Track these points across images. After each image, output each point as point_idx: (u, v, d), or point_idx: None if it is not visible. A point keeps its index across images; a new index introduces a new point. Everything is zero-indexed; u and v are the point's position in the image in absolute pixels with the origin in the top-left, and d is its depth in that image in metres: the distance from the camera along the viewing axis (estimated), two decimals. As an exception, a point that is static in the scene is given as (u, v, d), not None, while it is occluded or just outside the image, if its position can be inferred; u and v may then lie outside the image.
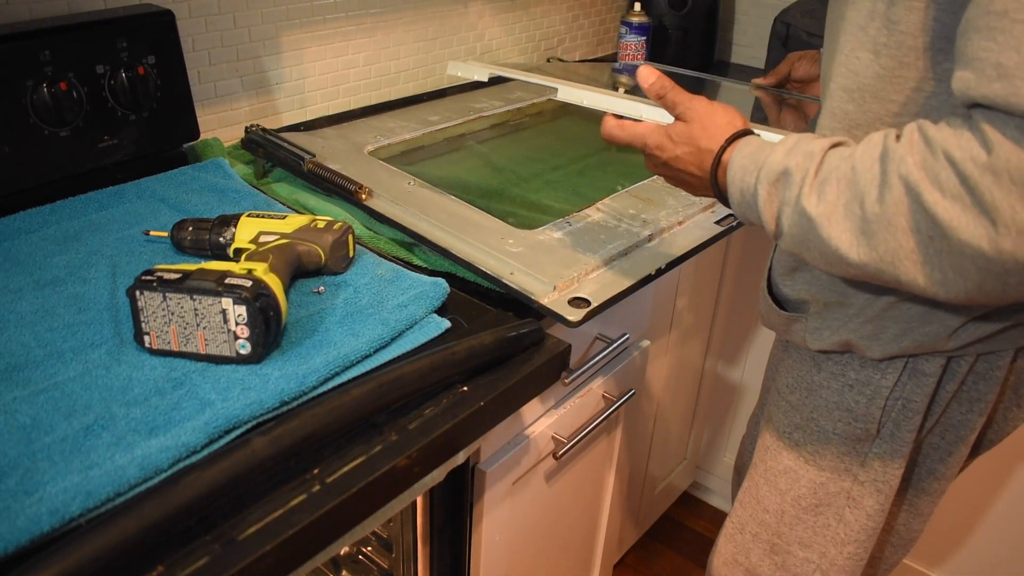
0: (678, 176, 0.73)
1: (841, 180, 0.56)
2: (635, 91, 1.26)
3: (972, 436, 0.77)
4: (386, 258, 0.86)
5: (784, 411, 0.84)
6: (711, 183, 0.69)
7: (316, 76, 1.25)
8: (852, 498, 0.81)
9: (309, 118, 1.25)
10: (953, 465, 0.80)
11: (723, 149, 0.67)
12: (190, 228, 0.82)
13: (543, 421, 0.97)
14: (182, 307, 0.64)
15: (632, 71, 1.55)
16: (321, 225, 0.80)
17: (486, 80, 1.23)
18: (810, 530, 0.85)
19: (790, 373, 0.83)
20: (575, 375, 0.97)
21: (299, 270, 0.78)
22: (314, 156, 1.03)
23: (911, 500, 0.83)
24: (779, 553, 0.88)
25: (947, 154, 0.50)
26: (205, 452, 0.57)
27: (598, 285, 0.85)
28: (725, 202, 0.69)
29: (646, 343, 1.15)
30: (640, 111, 0.98)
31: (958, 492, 1.40)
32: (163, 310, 0.65)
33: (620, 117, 0.77)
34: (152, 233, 0.84)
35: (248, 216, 0.81)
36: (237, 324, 0.64)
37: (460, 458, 0.73)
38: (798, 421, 0.83)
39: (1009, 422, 0.82)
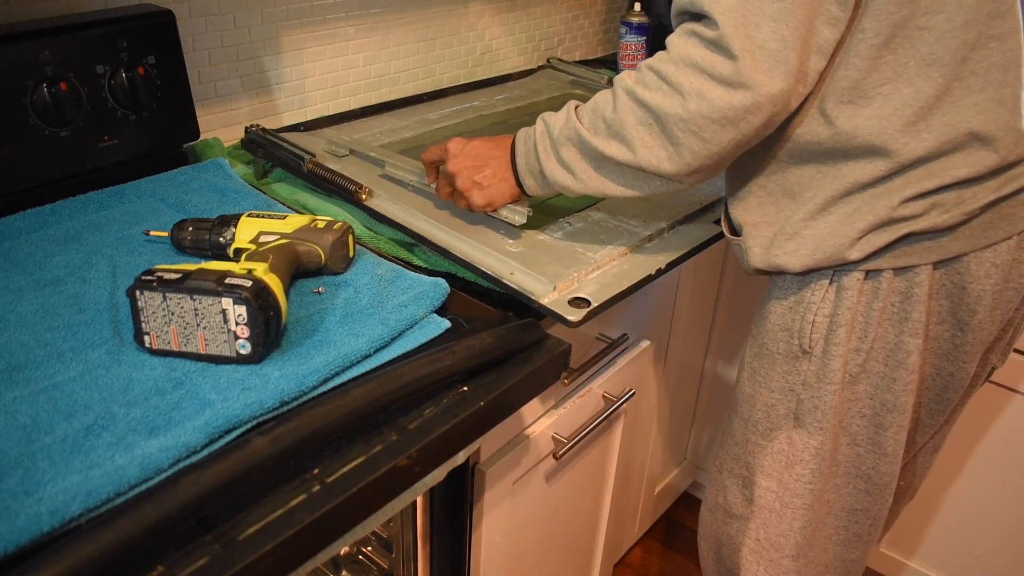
0: (479, 154, 0.88)
1: (586, 110, 0.79)
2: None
3: (911, 360, 0.82)
4: (386, 258, 0.86)
5: (749, 345, 0.93)
6: (510, 148, 0.87)
7: (316, 76, 1.25)
8: (797, 418, 0.88)
9: (309, 118, 1.25)
10: (902, 395, 0.84)
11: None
12: (190, 228, 0.82)
13: (543, 421, 0.97)
14: (182, 307, 0.64)
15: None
16: (321, 225, 0.80)
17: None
18: (768, 457, 0.91)
19: (758, 312, 0.92)
20: (575, 375, 0.97)
21: (299, 270, 0.78)
22: (314, 156, 1.03)
23: (873, 439, 0.87)
24: (748, 486, 0.94)
25: (647, 64, 0.74)
26: (205, 452, 0.57)
27: (598, 285, 0.85)
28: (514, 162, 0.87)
29: (646, 343, 1.15)
30: None
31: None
32: (163, 310, 0.65)
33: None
34: (152, 233, 0.84)
35: (248, 216, 0.81)
36: (237, 324, 0.64)
37: (460, 458, 0.73)
38: (756, 350, 0.91)
39: (962, 351, 0.84)
